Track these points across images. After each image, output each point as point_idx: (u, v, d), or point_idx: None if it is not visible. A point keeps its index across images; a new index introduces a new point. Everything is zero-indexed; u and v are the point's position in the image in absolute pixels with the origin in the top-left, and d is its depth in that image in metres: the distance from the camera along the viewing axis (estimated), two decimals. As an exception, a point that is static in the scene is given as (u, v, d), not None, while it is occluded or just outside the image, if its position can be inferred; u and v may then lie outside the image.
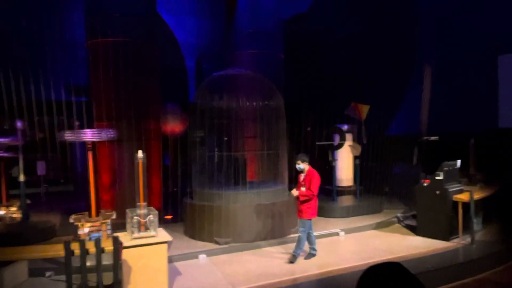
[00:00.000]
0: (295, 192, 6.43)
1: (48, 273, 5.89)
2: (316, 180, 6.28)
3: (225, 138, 7.93)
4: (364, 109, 10.20)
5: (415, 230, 7.99)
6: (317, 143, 10.10)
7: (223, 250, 7.00)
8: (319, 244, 7.48)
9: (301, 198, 6.34)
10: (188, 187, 8.29)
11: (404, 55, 11.62)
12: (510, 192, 8.39)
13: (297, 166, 6.44)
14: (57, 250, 4.80)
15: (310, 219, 6.45)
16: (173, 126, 11.75)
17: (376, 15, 11.50)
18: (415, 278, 1.44)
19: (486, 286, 5.79)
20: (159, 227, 5.42)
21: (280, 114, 7.95)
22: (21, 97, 7.50)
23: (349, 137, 10.44)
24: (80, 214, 6.50)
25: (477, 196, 7.50)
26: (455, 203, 7.44)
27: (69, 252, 4.41)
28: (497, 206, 8.58)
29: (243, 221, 7.35)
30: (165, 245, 5.20)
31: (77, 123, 6.64)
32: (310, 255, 6.61)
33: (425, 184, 7.71)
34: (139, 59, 8.58)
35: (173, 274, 5.81)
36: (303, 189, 6.34)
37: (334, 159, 9.98)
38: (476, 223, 7.69)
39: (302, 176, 6.46)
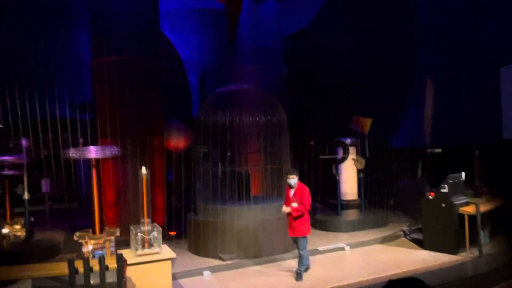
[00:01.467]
0: (286, 209, 6.21)
1: (52, 292, 5.84)
2: (307, 194, 6.17)
3: (229, 154, 7.94)
4: (367, 123, 10.21)
5: (421, 243, 7.90)
6: (321, 157, 10.09)
7: (228, 266, 6.94)
8: (325, 259, 7.41)
9: (295, 214, 6.14)
10: (192, 203, 8.28)
11: (407, 68, 11.68)
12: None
13: (291, 181, 6.21)
14: (61, 269, 4.78)
15: (306, 236, 6.32)
16: (177, 142, 11.79)
17: (377, 29, 11.61)
18: None
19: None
20: (163, 243, 5.40)
21: (283, 129, 7.97)
22: (26, 115, 7.58)
23: (352, 150, 10.42)
24: (84, 232, 6.49)
25: (483, 208, 7.42)
26: (461, 216, 7.36)
27: (73, 270, 4.39)
28: (504, 219, 8.47)
29: (247, 236, 7.30)
30: (169, 262, 5.17)
31: (81, 140, 6.68)
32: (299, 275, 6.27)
33: (430, 197, 7.66)
34: (143, 77, 8.68)
35: (177, 291, 5.76)
36: (294, 204, 6.16)
37: (338, 173, 9.95)
38: (483, 236, 7.59)
39: (291, 191, 6.26)
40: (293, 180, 6.23)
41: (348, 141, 10.45)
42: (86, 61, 9.06)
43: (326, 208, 11.30)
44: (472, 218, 7.26)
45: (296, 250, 6.52)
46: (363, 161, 10.16)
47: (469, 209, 7.34)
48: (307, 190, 6.22)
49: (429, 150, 10.52)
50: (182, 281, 6.33)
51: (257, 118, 7.63)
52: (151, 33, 9.11)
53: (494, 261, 6.98)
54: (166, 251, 5.30)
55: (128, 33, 8.40)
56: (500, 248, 7.71)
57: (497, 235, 8.28)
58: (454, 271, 6.54)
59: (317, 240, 8.41)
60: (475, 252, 7.23)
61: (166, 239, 7.73)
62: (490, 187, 8.68)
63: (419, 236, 8.36)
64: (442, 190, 7.50)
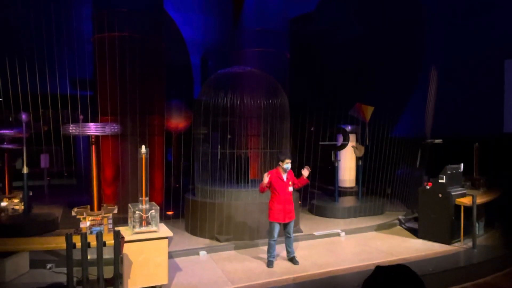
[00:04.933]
0: (305, 172, 6.16)
1: (49, 265, 5.92)
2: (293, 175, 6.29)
3: (229, 136, 7.93)
4: (369, 110, 10.18)
5: (416, 232, 7.97)
6: (321, 142, 10.09)
7: (224, 247, 7.02)
8: (320, 244, 7.49)
9: (297, 187, 6.30)
10: (191, 184, 8.30)
11: (411, 57, 11.58)
12: (513, 198, 8.35)
13: (287, 165, 6.11)
14: (58, 243, 4.83)
15: None
16: (177, 122, 11.77)
17: (383, 17, 11.46)
18: (422, 283, 1.44)
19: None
20: (161, 222, 5.44)
21: (285, 113, 7.94)
22: (27, 89, 7.52)
23: (352, 138, 10.42)
24: (82, 208, 6.54)
25: (479, 200, 7.47)
26: (458, 207, 7.41)
27: (71, 245, 4.43)
28: (499, 211, 8.54)
29: (244, 219, 7.36)
30: (166, 241, 5.21)
31: (81, 116, 6.66)
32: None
33: (428, 187, 7.69)
34: (145, 55, 8.60)
35: (173, 269, 5.82)
36: (291, 189, 6.16)
37: (337, 160, 9.97)
38: (478, 228, 7.66)
39: (284, 176, 6.16)
40: (289, 164, 6.16)
41: (349, 128, 10.44)
42: (88, 37, 8.96)
43: (323, 194, 11.37)
44: (468, 209, 7.31)
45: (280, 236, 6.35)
46: (362, 149, 10.17)
47: (466, 200, 7.38)
48: (291, 172, 6.26)
49: (429, 141, 10.51)
50: (178, 260, 6.40)
51: (258, 101, 7.59)
52: (154, 11, 8.99)
53: (488, 252, 7.06)
54: (163, 230, 5.34)
55: (131, 10, 8.30)
56: (494, 240, 7.79)
57: (492, 227, 8.36)
58: (447, 261, 6.62)
59: (313, 226, 8.49)
60: (469, 243, 7.31)
61: (164, 218, 7.79)
62: (487, 180, 8.72)
63: (414, 225, 8.43)
64: (440, 181, 7.52)
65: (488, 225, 8.20)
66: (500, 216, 8.60)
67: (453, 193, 7.46)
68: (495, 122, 10.03)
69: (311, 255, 6.74)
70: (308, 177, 6.26)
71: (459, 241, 7.45)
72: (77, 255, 4.58)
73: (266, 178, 6.01)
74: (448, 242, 7.37)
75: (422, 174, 9.70)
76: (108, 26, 8.20)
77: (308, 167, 6.23)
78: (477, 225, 7.39)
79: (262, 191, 6.16)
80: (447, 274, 6.08)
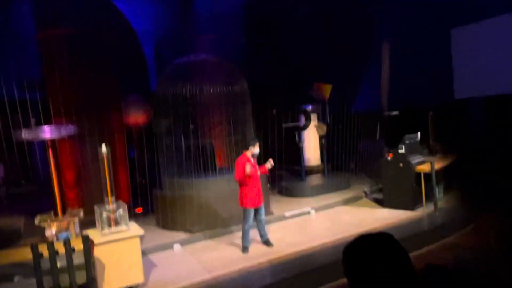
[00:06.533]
0: (269, 164, 6.21)
1: (16, 278, 5.67)
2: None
3: (191, 126, 7.82)
4: (327, 89, 10.34)
5: (382, 202, 8.29)
6: (283, 125, 10.18)
7: (197, 238, 7.00)
8: (292, 223, 7.63)
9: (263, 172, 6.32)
10: (157, 178, 8.16)
11: (363, 33, 11.80)
12: (468, 160, 8.84)
13: (256, 150, 6.15)
14: (24, 254, 4.64)
15: None
16: (136, 117, 11.44)
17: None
18: (405, 250, 1.46)
19: (450, 250, 6.12)
20: (130, 220, 5.33)
21: (245, 98, 7.92)
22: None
23: (314, 117, 10.58)
24: (45, 214, 6.28)
25: (437, 166, 7.85)
26: (418, 174, 7.76)
27: (37, 255, 4.26)
28: (457, 174, 9.02)
29: (215, 207, 7.35)
30: (138, 239, 5.13)
31: (32, 119, 6.34)
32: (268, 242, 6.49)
33: (389, 158, 7.98)
34: (94, 49, 8.24)
35: (148, 266, 5.75)
36: (259, 173, 6.17)
37: (300, 140, 10.11)
38: (438, 192, 8.07)
39: (251, 160, 6.15)
40: (258, 150, 6.20)
41: (310, 108, 10.58)
42: (31, 36, 8.45)
43: (290, 175, 11.53)
44: (427, 175, 7.67)
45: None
46: (324, 127, 10.36)
47: (425, 168, 7.73)
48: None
49: (386, 113, 10.87)
50: (152, 256, 6.32)
51: (218, 89, 7.51)
52: (100, 3, 8.60)
53: (448, 214, 7.48)
54: (134, 228, 5.24)
55: (75, 4, 7.89)
56: (453, 202, 8.24)
57: (450, 190, 8.83)
58: (413, 226, 6.95)
59: (283, 206, 8.61)
60: (431, 207, 7.69)
61: (133, 216, 7.63)
62: (443, 146, 9.16)
63: (379, 195, 8.76)
64: (400, 151, 7.83)
65: (447, 188, 8.66)
66: (457, 179, 9.09)
67: (412, 162, 7.80)
68: (447, 90, 10.49)
69: (284, 236, 6.86)
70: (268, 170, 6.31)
71: (422, 206, 7.83)
72: (46, 265, 4.41)
73: (249, 167, 5.93)
74: (412, 208, 7.72)
75: (382, 146, 10.04)
76: (52, 22, 7.77)
77: (271, 161, 6.26)
78: (437, 189, 7.78)
79: (240, 179, 6.06)
80: (414, 238, 6.39)
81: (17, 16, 8.57)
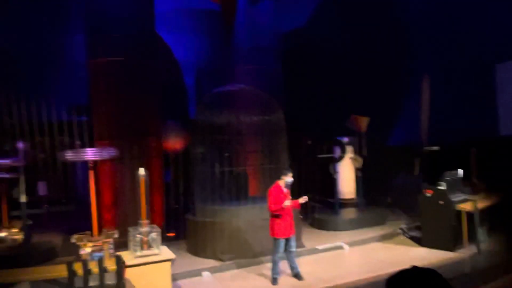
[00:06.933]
0: (303, 199, 6.18)
1: (50, 295, 5.82)
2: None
3: (226, 154, 7.92)
4: (364, 121, 10.23)
5: (419, 241, 7.92)
6: (319, 156, 10.10)
7: (227, 267, 6.94)
8: (324, 258, 7.42)
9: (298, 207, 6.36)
10: (190, 204, 8.26)
11: (402, 65, 11.70)
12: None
13: (289, 180, 6.17)
14: (59, 271, 4.76)
15: None
16: (174, 143, 11.75)
17: (373, 26, 11.62)
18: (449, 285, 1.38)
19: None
20: (162, 244, 5.38)
21: (281, 128, 7.97)
22: (23, 117, 7.52)
23: (350, 149, 10.44)
24: (82, 234, 6.46)
25: (481, 205, 7.46)
26: (459, 213, 7.40)
27: (72, 273, 4.37)
28: (501, 215, 8.51)
29: (246, 236, 7.29)
30: (169, 263, 5.16)
31: (78, 142, 6.66)
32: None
33: (428, 195, 7.68)
34: (139, 78, 8.64)
35: (177, 292, 5.74)
36: (287, 202, 6.06)
37: (335, 172, 9.96)
38: (481, 233, 7.62)
39: (284, 190, 6.15)
40: (291, 179, 6.21)
41: (346, 140, 10.47)
42: (81, 63, 9.01)
43: (324, 207, 11.30)
44: (469, 215, 7.29)
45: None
46: (360, 160, 10.18)
47: (467, 206, 7.37)
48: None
49: (426, 148, 10.56)
50: (181, 282, 6.31)
51: (254, 118, 7.63)
52: (146, 34, 9.08)
53: (492, 257, 7.02)
54: (165, 252, 5.28)
55: (123, 34, 8.37)
56: (498, 245, 7.74)
57: (495, 232, 8.32)
58: (453, 268, 6.57)
59: (316, 239, 8.42)
60: (473, 249, 7.26)
61: (165, 240, 7.71)
62: (487, 184, 8.72)
63: (417, 233, 8.38)
64: (440, 188, 7.53)
65: (491, 230, 8.17)
66: (502, 221, 8.57)
67: (453, 200, 7.46)
68: (491, 126, 10.09)
69: (315, 270, 6.67)
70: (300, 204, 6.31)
71: (463, 247, 7.40)
72: (79, 283, 4.51)
73: (288, 202, 5.97)
74: (452, 249, 7.32)
75: (421, 182, 9.69)
76: (101, 51, 8.26)
77: (306, 198, 6.24)
78: (480, 230, 7.36)
79: (275, 211, 6.05)
80: (454, 281, 6.02)
81: (70, 45, 9.19)
